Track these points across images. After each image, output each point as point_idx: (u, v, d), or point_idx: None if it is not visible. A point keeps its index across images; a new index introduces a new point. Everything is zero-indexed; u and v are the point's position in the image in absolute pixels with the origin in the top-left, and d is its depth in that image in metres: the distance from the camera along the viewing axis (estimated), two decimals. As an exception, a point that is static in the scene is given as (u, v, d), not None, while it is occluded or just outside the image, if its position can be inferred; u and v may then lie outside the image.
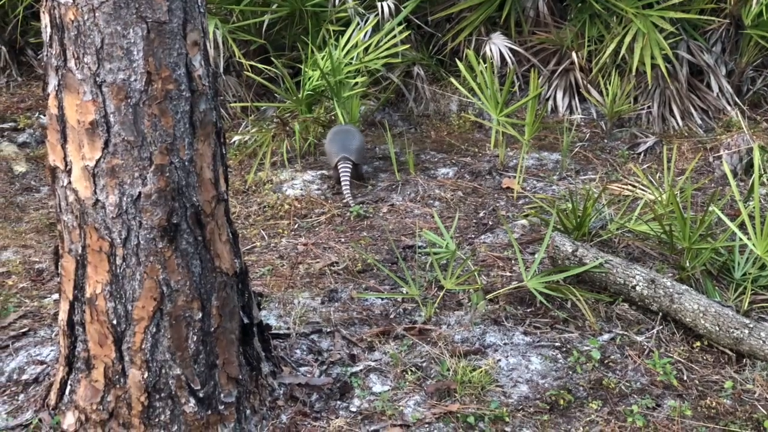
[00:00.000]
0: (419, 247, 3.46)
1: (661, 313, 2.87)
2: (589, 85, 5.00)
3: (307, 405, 2.44)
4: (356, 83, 4.65)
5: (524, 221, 3.72)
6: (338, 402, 2.48)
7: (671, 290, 2.83)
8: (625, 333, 2.84)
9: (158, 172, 2.02)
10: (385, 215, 3.87)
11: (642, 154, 4.56)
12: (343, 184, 4.01)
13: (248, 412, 2.33)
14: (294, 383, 2.49)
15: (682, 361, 2.70)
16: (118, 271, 2.08)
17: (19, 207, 4.10)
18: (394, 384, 2.57)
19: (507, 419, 2.42)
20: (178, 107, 2.02)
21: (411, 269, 3.27)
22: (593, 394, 2.54)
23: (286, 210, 3.95)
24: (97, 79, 1.95)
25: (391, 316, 2.97)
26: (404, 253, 3.44)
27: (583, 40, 5.00)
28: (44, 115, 4.81)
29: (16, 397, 2.49)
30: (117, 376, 2.16)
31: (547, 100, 5.05)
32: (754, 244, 2.94)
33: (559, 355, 2.73)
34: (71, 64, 1.97)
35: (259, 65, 4.95)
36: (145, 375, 2.15)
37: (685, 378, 2.62)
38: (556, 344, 2.78)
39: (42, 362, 2.64)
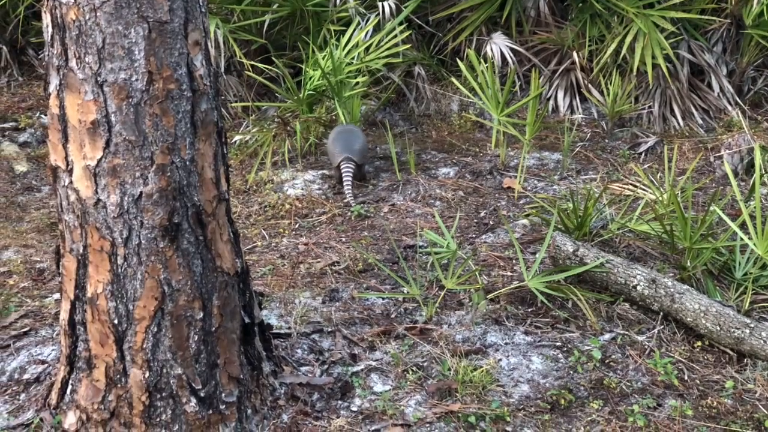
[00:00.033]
0: (420, 247, 3.46)
1: (662, 313, 2.87)
2: (590, 85, 5.00)
3: (308, 404, 2.44)
4: (357, 83, 4.65)
5: (525, 221, 3.72)
6: (339, 401, 2.48)
7: (672, 290, 2.83)
8: (626, 333, 2.84)
9: (159, 172, 2.02)
10: (386, 215, 3.87)
11: (643, 154, 4.56)
12: (345, 184, 4.01)
13: (249, 411, 2.33)
14: (295, 383, 2.49)
15: (683, 360, 2.70)
16: (120, 270, 2.08)
17: (20, 206, 4.10)
18: (395, 383, 2.58)
19: (508, 419, 2.42)
20: (180, 107, 2.02)
21: (412, 269, 3.27)
22: (594, 394, 2.54)
23: (287, 210, 3.95)
24: (99, 78, 1.95)
25: (392, 316, 2.97)
26: (405, 253, 3.45)
27: (584, 40, 5.00)
28: (45, 115, 4.81)
29: (17, 397, 2.49)
30: (118, 376, 2.16)
31: (548, 99, 5.05)
32: (755, 244, 2.94)
33: (560, 355, 2.73)
34: (73, 63, 1.97)
35: (260, 65, 4.95)
36: (147, 374, 2.15)
37: (686, 378, 2.62)
38: (557, 344, 2.78)
39: (43, 362, 2.64)
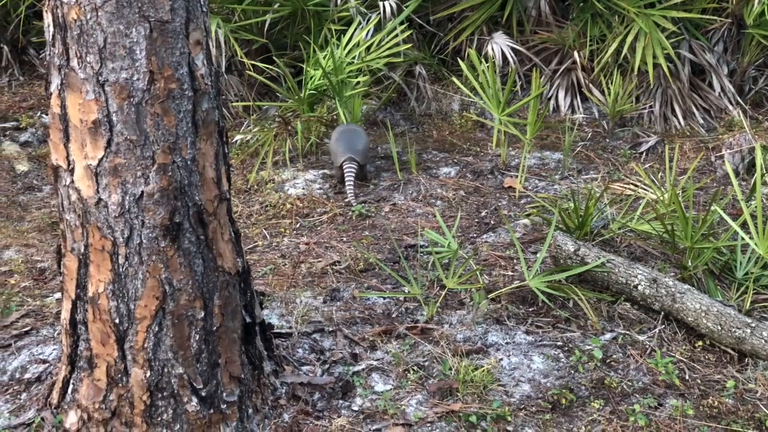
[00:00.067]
0: (421, 247, 3.46)
1: (663, 313, 2.87)
2: (591, 85, 5.00)
3: (309, 404, 2.44)
4: (358, 82, 4.65)
5: (526, 220, 3.72)
6: (340, 401, 2.48)
7: (673, 289, 2.83)
8: (627, 332, 2.84)
9: (161, 171, 2.02)
10: (387, 214, 3.87)
11: (644, 154, 4.56)
12: (347, 184, 4.01)
13: (250, 411, 2.33)
14: (296, 382, 2.49)
15: (684, 360, 2.70)
16: (121, 270, 2.08)
17: (21, 206, 4.10)
18: (396, 383, 2.58)
19: (509, 418, 2.42)
20: (181, 106, 2.02)
21: (413, 268, 3.27)
22: (595, 394, 2.54)
23: (288, 209, 3.95)
24: (100, 78, 1.95)
25: (393, 316, 2.97)
26: (406, 253, 3.45)
27: (585, 40, 5.00)
28: (46, 114, 4.81)
29: (18, 396, 2.49)
30: (119, 375, 2.16)
31: (549, 99, 5.05)
32: (756, 244, 2.94)
33: (561, 355, 2.73)
34: (74, 63, 1.97)
35: (261, 64, 4.95)
36: (148, 374, 2.15)
37: (687, 377, 2.62)
38: (558, 343, 2.78)
39: (44, 361, 2.64)
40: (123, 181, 2.01)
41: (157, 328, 2.12)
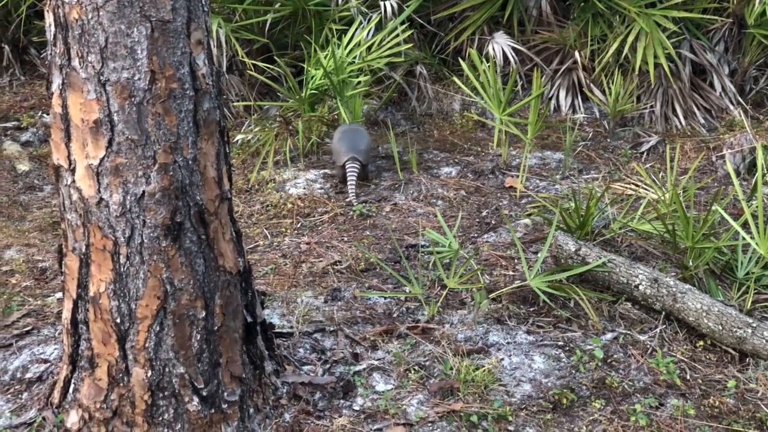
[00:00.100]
0: (422, 246, 3.46)
1: (664, 313, 2.87)
2: (591, 84, 5.00)
3: (310, 404, 2.44)
4: (359, 82, 4.65)
5: (527, 220, 3.72)
6: (341, 401, 2.48)
7: (674, 289, 2.83)
8: (628, 332, 2.84)
9: (162, 171, 2.02)
10: (388, 214, 3.87)
11: (645, 153, 4.56)
12: (349, 184, 4.01)
13: (251, 410, 2.33)
14: (297, 382, 2.50)
15: (685, 360, 2.70)
16: (122, 269, 2.08)
17: (22, 206, 4.11)
18: (397, 383, 2.58)
19: (510, 418, 2.42)
20: (182, 106, 2.02)
21: (414, 268, 3.27)
22: (596, 393, 2.54)
23: (289, 209, 3.95)
24: (101, 77, 1.95)
25: (394, 315, 2.97)
26: (407, 252, 3.45)
27: (586, 40, 5.00)
28: (47, 114, 4.81)
29: (19, 396, 2.49)
30: (121, 375, 2.17)
31: (550, 99, 5.05)
32: (757, 243, 2.94)
33: (562, 354, 2.73)
34: (75, 62, 1.97)
35: (262, 64, 4.95)
36: (149, 373, 2.15)
37: (688, 377, 2.62)
38: (559, 343, 2.78)
39: (45, 361, 2.64)
40: (124, 180, 2.01)
41: (158, 328, 2.12)
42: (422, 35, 5.27)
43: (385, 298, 3.08)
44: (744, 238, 3.01)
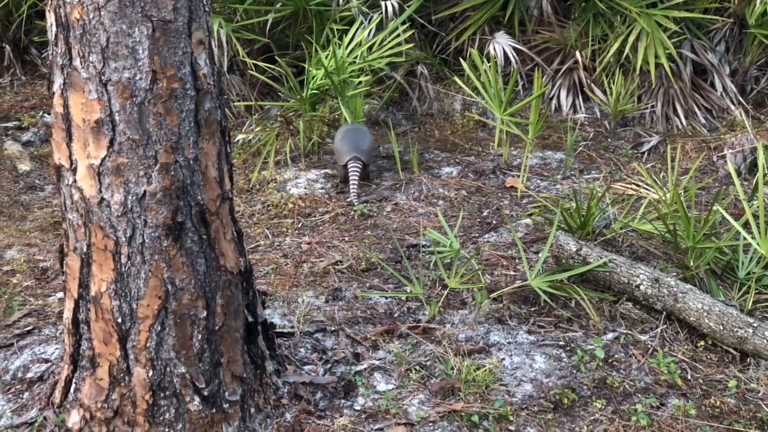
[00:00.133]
0: (423, 246, 3.46)
1: (665, 312, 2.87)
2: (592, 84, 5.00)
3: (311, 403, 2.44)
4: (360, 82, 4.65)
5: (528, 220, 3.72)
6: (342, 400, 2.48)
7: (675, 289, 2.83)
8: (629, 332, 2.84)
9: (163, 171, 2.02)
10: (389, 214, 3.87)
11: (646, 154, 4.56)
12: (351, 184, 4.01)
13: (252, 410, 2.33)
14: (298, 382, 2.50)
15: (686, 360, 2.70)
16: (123, 269, 2.09)
17: (23, 205, 4.11)
18: (398, 383, 2.58)
19: (511, 418, 2.42)
20: (183, 106, 2.02)
21: (415, 268, 3.27)
22: (597, 393, 2.54)
23: (290, 209, 3.95)
24: (103, 77, 1.95)
25: (395, 315, 2.97)
26: (408, 252, 3.45)
27: (587, 39, 4.99)
28: (48, 114, 4.81)
29: (20, 396, 2.49)
30: (122, 375, 2.17)
31: (551, 99, 5.05)
32: (758, 243, 2.94)
33: (563, 354, 2.73)
34: (76, 62, 1.97)
35: (263, 64, 4.95)
36: (150, 373, 2.15)
37: (689, 377, 2.62)
38: (560, 343, 2.78)
39: (47, 360, 2.64)
40: (125, 180, 2.01)
41: (159, 328, 2.12)
42: (423, 35, 5.27)
43: (386, 297, 3.08)
44: (745, 238, 3.01)
